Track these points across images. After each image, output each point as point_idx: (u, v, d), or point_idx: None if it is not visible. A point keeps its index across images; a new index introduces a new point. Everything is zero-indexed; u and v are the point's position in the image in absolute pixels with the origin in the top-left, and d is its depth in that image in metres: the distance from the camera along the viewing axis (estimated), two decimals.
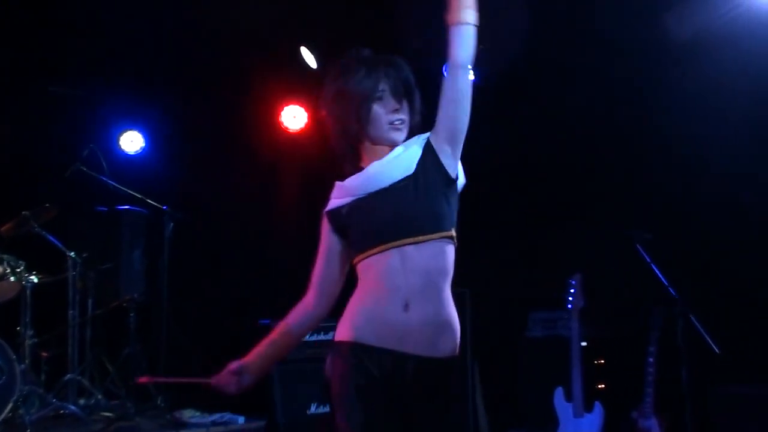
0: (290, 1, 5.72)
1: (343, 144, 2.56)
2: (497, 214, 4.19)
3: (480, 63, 2.52)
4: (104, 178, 5.65)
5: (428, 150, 2.49)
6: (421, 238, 2.40)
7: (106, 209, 5.98)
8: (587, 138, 5.82)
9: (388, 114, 2.49)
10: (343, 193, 2.53)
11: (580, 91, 5.70)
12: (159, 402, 5.54)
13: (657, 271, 4.61)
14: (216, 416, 5.39)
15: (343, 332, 2.48)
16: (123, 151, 6.67)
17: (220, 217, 6.44)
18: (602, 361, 5.45)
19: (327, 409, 5.52)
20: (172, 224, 5.66)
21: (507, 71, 5.59)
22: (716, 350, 4.36)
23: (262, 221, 6.59)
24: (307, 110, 6.76)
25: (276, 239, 6.64)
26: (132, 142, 6.70)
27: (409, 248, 2.39)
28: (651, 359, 4.74)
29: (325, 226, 2.59)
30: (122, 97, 6.50)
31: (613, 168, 5.72)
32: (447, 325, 2.42)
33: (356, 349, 2.42)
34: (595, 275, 5.10)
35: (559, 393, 5.00)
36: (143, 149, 6.71)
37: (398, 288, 2.38)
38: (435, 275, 2.41)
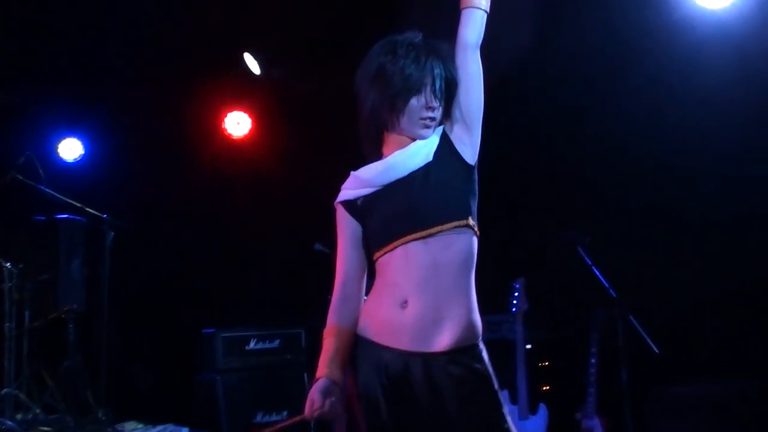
0: (232, 7, 5.68)
1: (370, 126, 2.50)
2: None
3: None
4: (41, 187, 5.52)
5: (444, 139, 2.47)
6: (428, 231, 2.36)
7: (43, 218, 5.85)
8: (528, 142, 5.88)
9: (423, 109, 2.43)
10: (358, 184, 2.49)
11: (520, 95, 5.75)
12: (100, 415, 5.43)
13: (597, 273, 4.67)
14: (159, 428, 5.32)
15: (359, 326, 2.50)
16: (61, 158, 6.55)
17: (163, 226, 6.36)
18: (546, 363, 5.51)
19: (274, 417, 5.52)
20: (112, 233, 5.56)
21: None
22: (655, 351, 4.43)
23: (204, 229, 6.53)
24: (251, 116, 6.71)
25: (219, 247, 6.58)
26: (71, 149, 6.58)
27: (416, 243, 2.36)
28: (593, 360, 4.81)
29: (343, 215, 2.54)
30: (60, 104, 6.38)
31: (554, 171, 5.79)
32: (449, 318, 2.34)
33: (362, 342, 2.45)
34: (537, 278, 5.15)
35: (504, 395, 5.02)
36: (82, 157, 6.60)
37: (398, 285, 2.38)
38: (444, 268, 2.36)
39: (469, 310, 2.38)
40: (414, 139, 2.46)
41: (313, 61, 6.12)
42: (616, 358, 4.49)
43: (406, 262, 2.37)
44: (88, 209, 5.64)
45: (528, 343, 5.06)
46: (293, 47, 6.09)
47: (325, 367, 2.45)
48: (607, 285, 4.60)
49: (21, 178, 5.45)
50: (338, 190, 2.57)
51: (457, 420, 2.33)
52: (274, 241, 6.43)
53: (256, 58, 6.18)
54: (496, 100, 5.91)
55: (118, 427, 5.36)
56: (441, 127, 2.49)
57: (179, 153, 6.48)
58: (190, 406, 5.72)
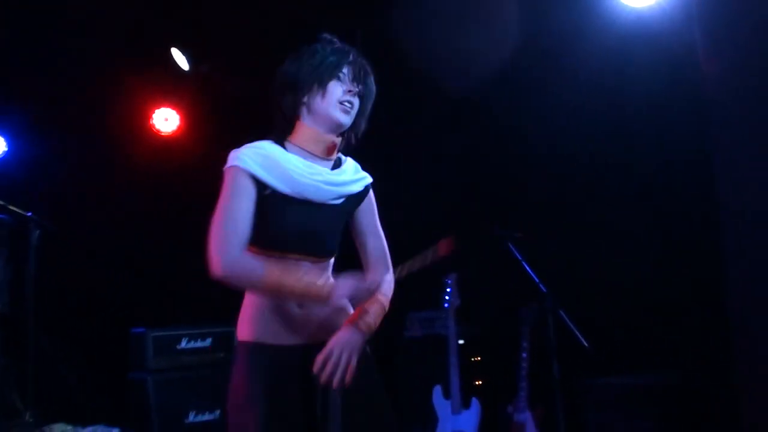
0: (160, 2, 5.59)
1: (284, 114, 2.58)
2: None
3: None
4: None
5: (360, 197, 2.68)
6: (320, 258, 2.59)
7: None
8: (458, 138, 5.92)
9: (343, 93, 2.53)
10: (275, 174, 2.50)
11: (444, 95, 5.80)
12: (28, 418, 5.29)
13: (528, 269, 4.73)
14: (89, 429, 5.22)
15: (243, 331, 2.58)
16: None
17: (90, 223, 6.23)
18: (479, 358, 5.57)
19: (206, 417, 5.47)
20: (38, 232, 5.41)
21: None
22: (585, 344, 4.50)
23: (134, 226, 6.42)
24: (179, 113, 6.62)
25: (149, 245, 6.48)
26: None
27: (306, 263, 2.55)
28: (524, 354, 4.88)
29: (247, 181, 2.49)
30: None
31: (483, 168, 5.84)
32: (335, 314, 2.59)
33: (257, 348, 2.53)
34: (469, 274, 5.19)
35: (437, 390, 5.07)
36: (5, 154, 6.42)
37: None
38: (324, 280, 2.53)
39: (346, 306, 2.64)
40: (330, 131, 2.55)
41: (241, 57, 6.06)
42: (547, 352, 4.55)
43: (300, 271, 2.51)
44: (11, 207, 5.48)
45: (460, 339, 5.11)
46: (221, 42, 6.03)
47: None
48: (537, 280, 4.66)
49: None
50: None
51: (350, 399, 2.51)
52: (204, 238, 6.35)
53: (184, 54, 6.10)
54: (424, 100, 5.98)
55: (46, 429, 5.23)
56: (367, 187, 2.70)
57: (107, 150, 6.36)
58: (121, 407, 5.63)
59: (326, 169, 2.59)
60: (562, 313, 4.55)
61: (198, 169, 6.39)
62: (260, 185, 2.50)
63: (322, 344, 2.49)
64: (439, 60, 5.49)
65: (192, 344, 5.61)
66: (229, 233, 2.46)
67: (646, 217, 5.24)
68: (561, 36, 5.22)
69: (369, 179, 2.71)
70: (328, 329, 2.53)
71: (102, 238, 6.31)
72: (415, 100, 5.98)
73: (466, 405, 5.00)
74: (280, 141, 2.59)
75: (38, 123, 6.38)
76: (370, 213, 2.73)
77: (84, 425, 5.28)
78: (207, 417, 5.45)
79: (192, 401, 5.43)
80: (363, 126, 2.66)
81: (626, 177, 5.32)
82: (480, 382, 5.45)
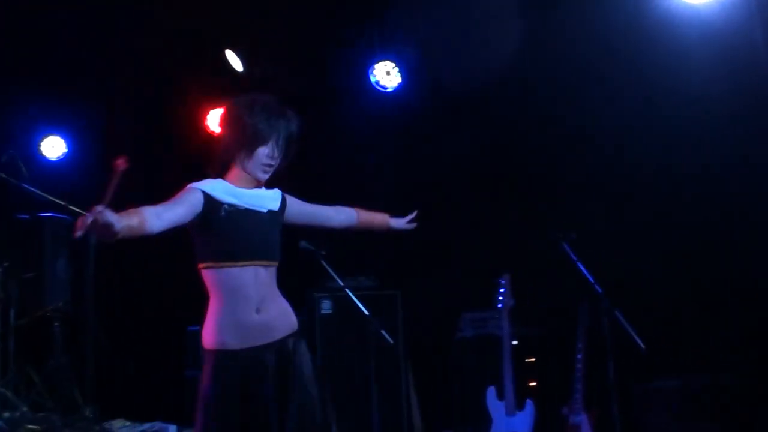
0: (215, 4, 5.66)
1: (222, 157, 3.15)
2: (426, 217, 4.27)
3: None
4: (25, 185, 5.48)
5: (283, 204, 3.23)
6: (271, 263, 3.10)
7: (27, 216, 5.82)
8: (512, 140, 5.89)
9: (266, 158, 3.09)
10: (230, 193, 3.05)
11: (505, 96, 5.76)
12: (87, 413, 5.41)
13: (583, 269, 4.68)
14: (147, 426, 5.31)
15: (209, 340, 3.05)
16: (44, 156, 6.51)
17: None
18: (533, 359, 5.53)
19: None
20: None
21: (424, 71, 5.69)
22: (641, 345, 4.45)
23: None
24: None
25: None
26: (53, 147, 6.55)
27: (261, 268, 3.06)
28: (579, 356, 4.84)
29: (197, 196, 3.03)
30: (43, 102, 6.34)
31: (539, 169, 5.80)
32: (282, 314, 3.13)
33: (220, 354, 3.00)
34: (523, 275, 5.16)
35: (491, 392, 5.05)
36: (65, 155, 6.56)
37: (251, 296, 3.03)
38: (273, 287, 3.12)
39: (287, 305, 3.18)
40: (254, 180, 3.12)
41: (295, 60, 6.10)
42: (603, 353, 4.51)
43: (255, 279, 3.04)
44: (71, 207, 5.60)
45: (514, 339, 5.07)
46: (275, 45, 6.07)
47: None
48: (592, 280, 4.61)
49: (4, 176, 5.41)
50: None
51: (299, 376, 3.05)
52: None
53: (237, 55, 6.16)
54: (477, 102, 5.95)
55: (105, 424, 5.34)
56: (282, 195, 3.23)
57: (163, 150, 6.45)
58: (178, 404, 5.71)
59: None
60: (617, 313, 4.50)
61: None
62: (216, 203, 3.03)
63: (274, 342, 3.03)
64: (499, 54, 5.48)
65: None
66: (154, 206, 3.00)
67: (704, 217, 5.16)
68: (619, 33, 5.16)
69: (279, 192, 3.25)
70: (278, 329, 3.08)
71: (159, 237, 6.38)
72: (463, 99, 5.96)
73: (520, 406, 4.97)
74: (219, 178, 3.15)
75: (97, 124, 6.51)
76: (297, 201, 3.30)
77: (142, 421, 5.37)
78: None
79: None
80: (286, 163, 3.16)
81: (685, 177, 5.24)
82: (534, 384, 5.41)
